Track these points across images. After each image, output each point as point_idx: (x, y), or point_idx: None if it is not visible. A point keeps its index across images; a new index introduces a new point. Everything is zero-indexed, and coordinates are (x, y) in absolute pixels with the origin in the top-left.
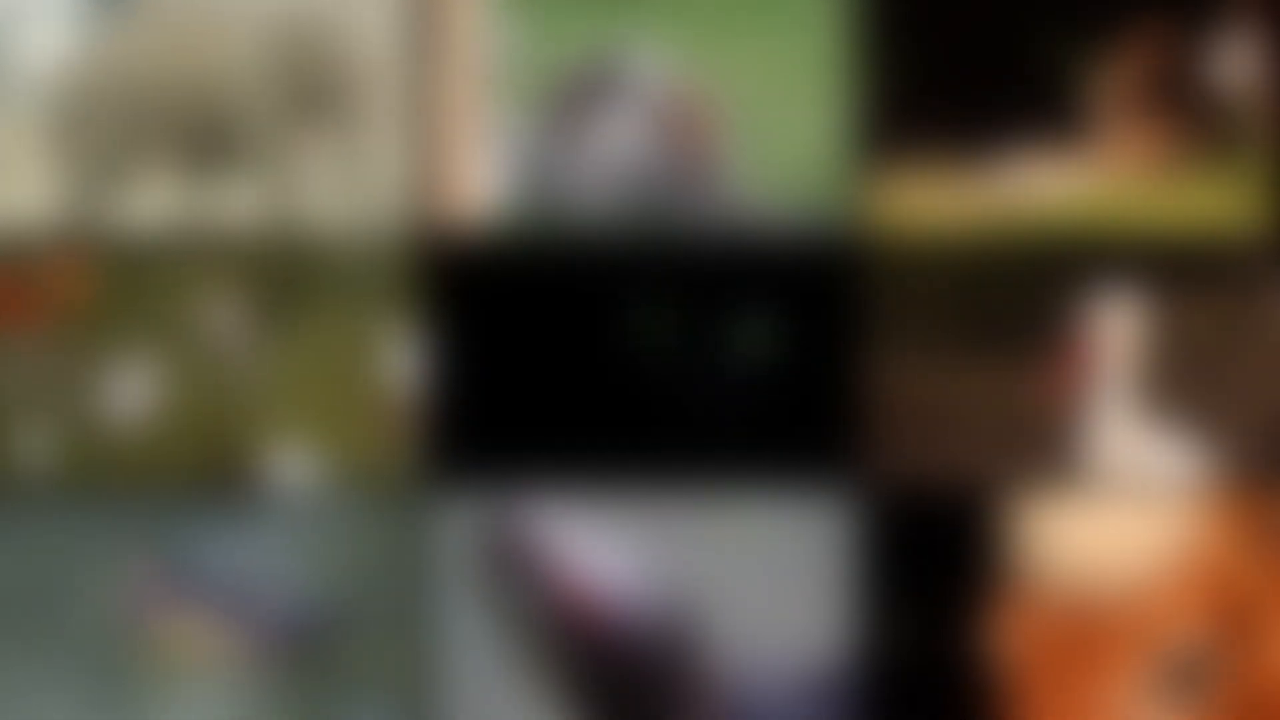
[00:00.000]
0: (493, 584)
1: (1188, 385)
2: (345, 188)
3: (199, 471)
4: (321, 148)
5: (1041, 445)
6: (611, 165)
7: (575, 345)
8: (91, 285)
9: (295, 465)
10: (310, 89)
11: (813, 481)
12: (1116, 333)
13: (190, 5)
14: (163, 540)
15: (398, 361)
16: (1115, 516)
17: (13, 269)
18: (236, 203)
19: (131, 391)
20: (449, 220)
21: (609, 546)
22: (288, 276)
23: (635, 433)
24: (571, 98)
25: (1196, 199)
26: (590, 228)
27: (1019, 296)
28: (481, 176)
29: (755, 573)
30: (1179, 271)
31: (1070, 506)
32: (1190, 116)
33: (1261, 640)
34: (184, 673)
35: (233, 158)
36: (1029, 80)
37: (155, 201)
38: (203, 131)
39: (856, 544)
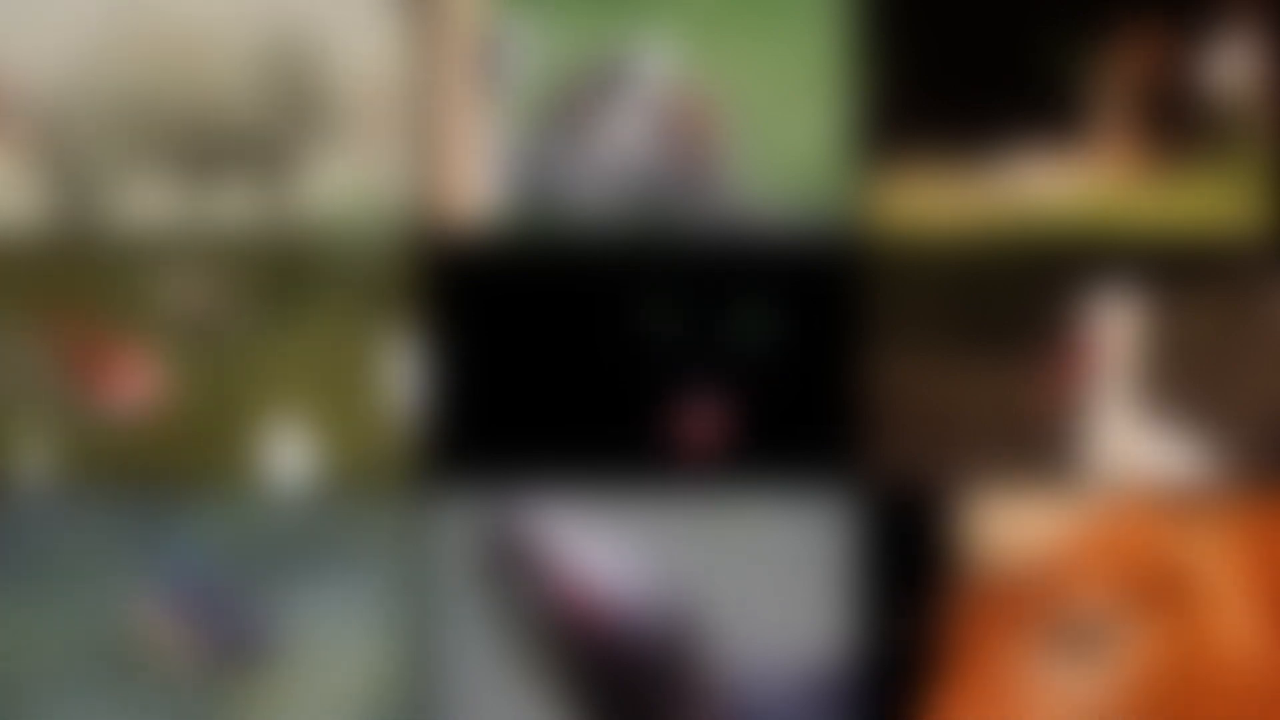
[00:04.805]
0: (492, 584)
1: (1186, 385)
2: (345, 189)
3: (198, 473)
4: (321, 150)
5: (1040, 444)
6: (614, 166)
7: (575, 345)
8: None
9: (295, 466)
10: (308, 91)
11: (812, 481)
12: (1115, 332)
13: (188, 12)
14: (159, 542)
15: (398, 363)
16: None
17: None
18: (237, 206)
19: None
20: (449, 221)
21: (609, 547)
22: (289, 278)
23: (634, 433)
24: (574, 98)
25: (1194, 199)
26: (590, 228)
27: (1018, 296)
28: (481, 177)
29: (755, 573)
30: (1177, 271)
31: (1068, 506)
32: (1188, 117)
33: (1192, 621)
34: (179, 674)
35: (231, 161)
36: (1028, 81)
37: (153, 206)
38: (199, 136)
39: (856, 543)
